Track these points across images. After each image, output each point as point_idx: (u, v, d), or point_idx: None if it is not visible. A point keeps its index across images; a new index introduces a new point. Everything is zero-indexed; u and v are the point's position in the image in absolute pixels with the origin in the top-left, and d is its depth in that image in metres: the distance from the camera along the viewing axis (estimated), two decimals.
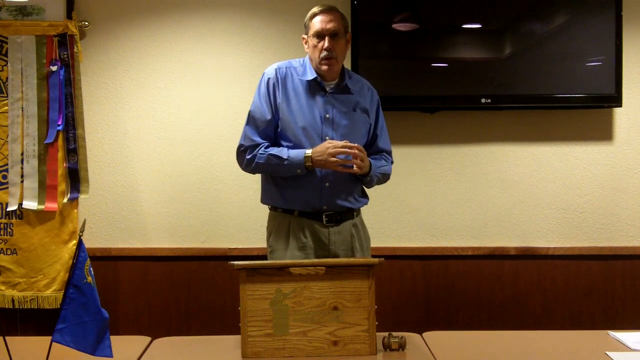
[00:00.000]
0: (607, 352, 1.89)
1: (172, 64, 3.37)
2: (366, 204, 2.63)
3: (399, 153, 3.38)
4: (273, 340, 1.87)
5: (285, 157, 2.39)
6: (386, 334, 1.95)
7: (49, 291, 3.25)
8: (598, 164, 3.39)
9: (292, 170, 2.40)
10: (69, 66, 3.23)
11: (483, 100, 3.24)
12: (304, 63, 2.53)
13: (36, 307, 3.25)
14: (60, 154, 3.23)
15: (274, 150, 2.42)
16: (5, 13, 3.26)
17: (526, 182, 3.40)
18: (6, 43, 3.23)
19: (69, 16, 3.24)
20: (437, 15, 3.32)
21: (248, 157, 2.45)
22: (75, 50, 3.23)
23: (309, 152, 2.38)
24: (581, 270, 3.38)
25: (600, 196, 3.40)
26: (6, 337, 1.61)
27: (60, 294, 3.15)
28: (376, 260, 1.91)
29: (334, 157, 2.34)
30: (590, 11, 3.26)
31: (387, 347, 1.93)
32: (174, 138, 3.37)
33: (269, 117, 2.45)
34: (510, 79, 3.28)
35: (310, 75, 2.48)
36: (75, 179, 3.26)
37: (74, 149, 3.25)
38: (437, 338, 2.09)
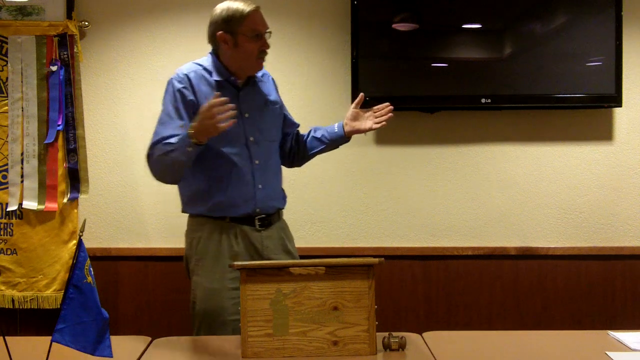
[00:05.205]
0: (607, 352, 1.89)
1: (172, 64, 3.35)
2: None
3: (399, 153, 3.39)
4: (273, 340, 1.87)
5: (174, 140, 2.23)
6: (386, 334, 1.94)
7: (49, 291, 3.25)
8: (598, 164, 3.39)
9: (182, 149, 2.19)
10: (69, 66, 3.23)
11: (483, 100, 3.24)
12: (211, 63, 2.42)
13: (36, 307, 3.25)
14: (60, 154, 3.23)
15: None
16: (5, 13, 3.26)
17: (526, 182, 3.40)
18: (6, 43, 3.24)
19: (69, 16, 3.25)
20: (437, 15, 3.32)
21: (149, 152, 2.33)
22: (75, 50, 3.23)
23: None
24: (581, 270, 3.38)
25: (600, 196, 3.39)
26: (6, 337, 1.61)
27: (60, 294, 3.15)
28: (376, 260, 1.91)
29: (210, 118, 2.10)
30: (590, 11, 3.26)
31: (387, 347, 1.93)
32: None
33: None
34: (510, 79, 3.28)
35: (224, 75, 2.39)
36: (75, 179, 3.26)
37: (74, 149, 3.25)
38: (437, 338, 2.08)
